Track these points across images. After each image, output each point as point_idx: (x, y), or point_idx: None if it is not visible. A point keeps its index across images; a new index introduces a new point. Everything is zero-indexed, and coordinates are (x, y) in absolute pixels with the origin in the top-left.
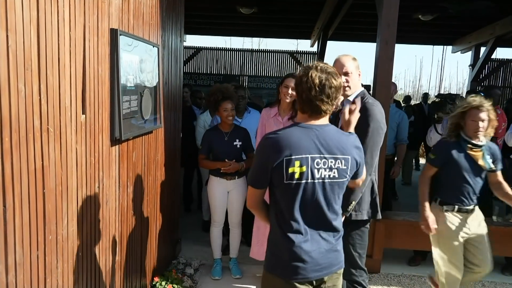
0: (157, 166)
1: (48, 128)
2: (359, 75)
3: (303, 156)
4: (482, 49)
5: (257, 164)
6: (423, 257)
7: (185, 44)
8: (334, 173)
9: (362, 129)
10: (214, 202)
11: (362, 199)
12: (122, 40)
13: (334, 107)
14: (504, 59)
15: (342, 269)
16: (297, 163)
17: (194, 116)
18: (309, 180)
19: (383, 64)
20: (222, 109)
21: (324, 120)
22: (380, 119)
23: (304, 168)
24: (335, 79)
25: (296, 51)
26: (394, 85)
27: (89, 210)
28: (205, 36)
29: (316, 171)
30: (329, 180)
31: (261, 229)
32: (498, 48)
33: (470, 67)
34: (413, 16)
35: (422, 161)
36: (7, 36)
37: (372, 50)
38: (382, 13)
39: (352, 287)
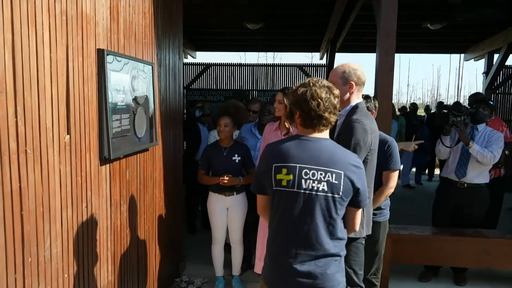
0: (155, 184)
1: (26, 150)
2: (352, 86)
3: (291, 164)
4: (496, 56)
5: (257, 171)
6: (434, 273)
7: (195, 60)
8: (323, 186)
9: (344, 145)
10: (213, 219)
11: None
12: (110, 60)
13: (332, 120)
14: None
15: None
16: (284, 171)
17: (198, 131)
18: (295, 190)
19: (383, 75)
20: (218, 124)
21: (325, 134)
22: (360, 135)
23: (290, 176)
24: (335, 90)
25: (305, 64)
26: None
27: (76, 230)
28: (215, 52)
29: (303, 181)
30: (318, 193)
31: (265, 245)
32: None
33: (484, 74)
34: (422, 25)
35: (437, 171)
36: None
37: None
38: (380, 24)
39: None
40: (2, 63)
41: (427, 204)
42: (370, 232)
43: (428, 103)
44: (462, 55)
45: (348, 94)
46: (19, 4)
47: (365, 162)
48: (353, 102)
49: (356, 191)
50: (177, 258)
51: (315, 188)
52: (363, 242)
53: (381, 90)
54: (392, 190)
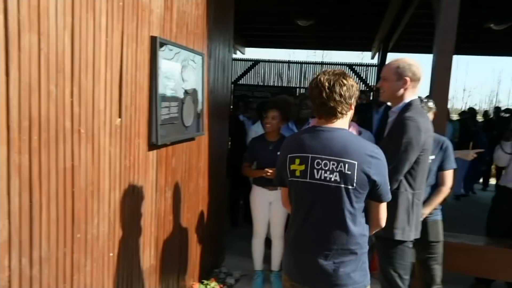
0: (199, 174)
1: (79, 129)
2: (406, 82)
3: (304, 154)
4: None
5: (277, 163)
6: (486, 286)
7: (244, 56)
8: (335, 176)
9: (395, 143)
10: (255, 212)
11: (397, 217)
12: (162, 48)
13: (351, 107)
14: None
15: None
16: (297, 161)
17: (243, 126)
18: (308, 180)
19: (440, 75)
20: (265, 117)
21: (340, 124)
22: (413, 134)
23: (303, 167)
24: (345, 79)
25: (355, 63)
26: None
27: (122, 212)
28: (265, 48)
29: (315, 171)
30: (330, 184)
31: None
32: None
33: None
34: (484, 26)
35: (492, 180)
36: (39, 39)
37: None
38: (439, 19)
39: None
40: (62, 45)
41: (480, 214)
42: (418, 236)
43: (485, 109)
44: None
45: (402, 90)
46: None
47: (417, 162)
48: (407, 99)
49: (373, 183)
50: (217, 249)
51: (328, 178)
52: (410, 245)
53: (437, 90)
54: (449, 191)
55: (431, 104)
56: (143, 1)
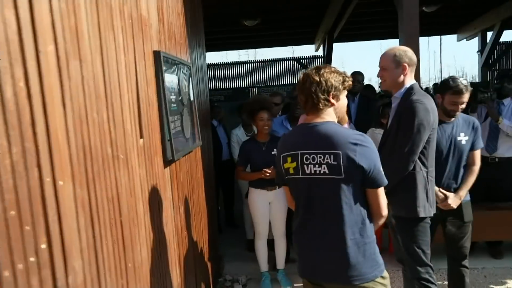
0: (199, 184)
1: (118, 155)
2: (405, 69)
3: (294, 152)
4: (489, 34)
5: (276, 163)
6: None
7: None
8: (324, 168)
9: (406, 126)
10: (256, 214)
11: (417, 196)
12: (164, 61)
13: (329, 102)
14: (511, 41)
15: (353, 284)
16: (289, 159)
17: (215, 131)
18: (300, 176)
19: None
20: (258, 119)
21: (326, 117)
22: (423, 116)
23: (294, 164)
24: (315, 75)
25: (302, 57)
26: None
27: (155, 234)
28: (215, 52)
29: (305, 166)
30: (321, 176)
31: None
32: (504, 31)
33: (479, 53)
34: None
35: None
36: (81, 66)
37: (375, 47)
38: (403, 8)
39: (419, 284)
40: (95, 69)
41: None
42: (434, 211)
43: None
44: (442, 37)
45: (402, 77)
46: (103, 9)
47: (428, 141)
48: (407, 84)
49: (362, 169)
50: (217, 258)
51: (317, 171)
52: (429, 221)
53: None
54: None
55: (465, 82)
56: (144, 16)
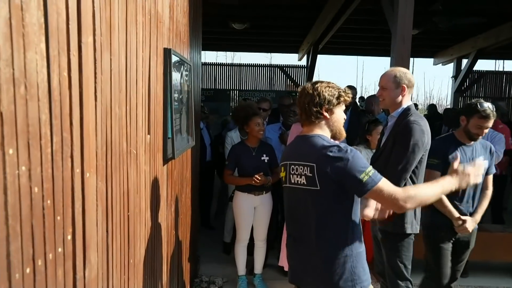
0: (188, 184)
1: (131, 149)
2: (404, 90)
3: (284, 162)
4: (464, 61)
5: None
6: None
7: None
8: (303, 179)
9: (402, 145)
10: (240, 218)
11: (405, 213)
12: (173, 59)
13: (322, 115)
14: (483, 70)
15: None
16: (282, 169)
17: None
18: (288, 185)
19: None
20: (254, 124)
21: (318, 130)
22: (419, 136)
23: (284, 173)
24: (309, 89)
25: (286, 65)
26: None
27: (153, 231)
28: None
29: (291, 176)
30: (301, 187)
31: None
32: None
33: (453, 78)
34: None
35: None
36: (110, 59)
37: (355, 63)
38: (397, 29)
39: None
40: (121, 62)
41: None
42: (418, 231)
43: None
44: (415, 59)
45: (400, 97)
46: (130, 3)
47: (420, 161)
48: (405, 104)
49: (337, 182)
50: (195, 258)
51: (298, 182)
52: (413, 237)
53: None
54: None
55: (492, 107)
56: (159, 12)
